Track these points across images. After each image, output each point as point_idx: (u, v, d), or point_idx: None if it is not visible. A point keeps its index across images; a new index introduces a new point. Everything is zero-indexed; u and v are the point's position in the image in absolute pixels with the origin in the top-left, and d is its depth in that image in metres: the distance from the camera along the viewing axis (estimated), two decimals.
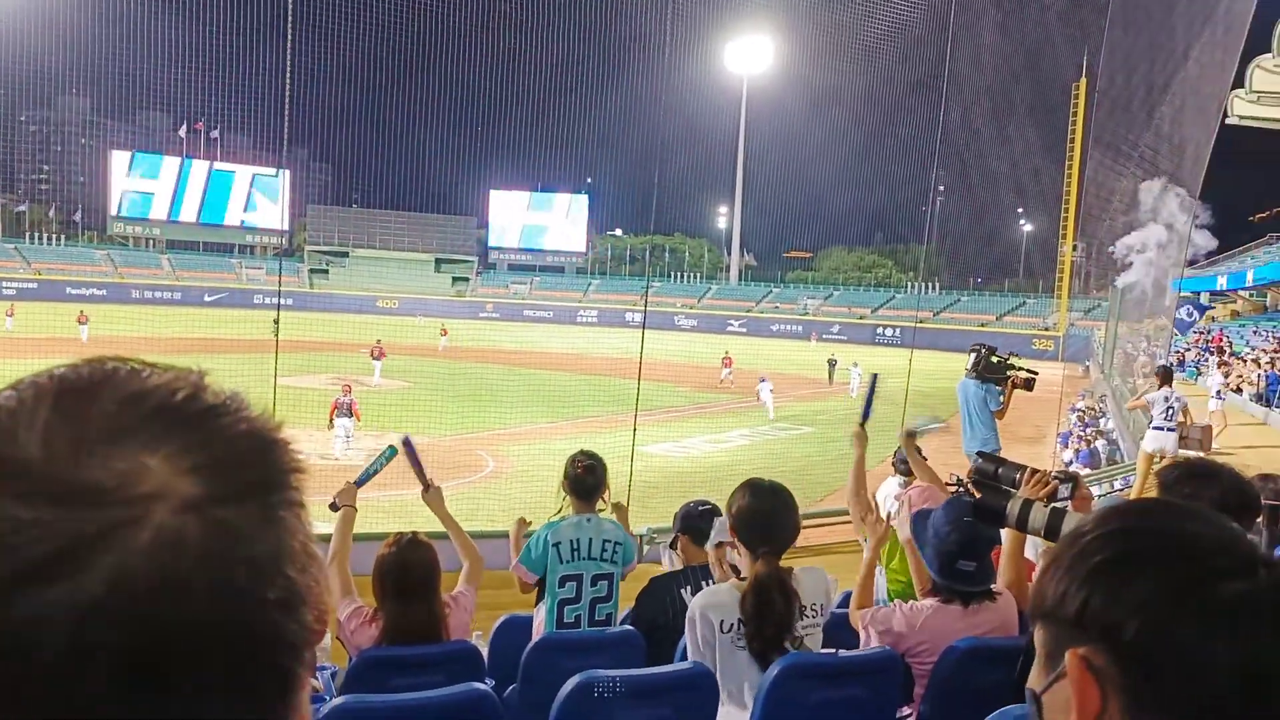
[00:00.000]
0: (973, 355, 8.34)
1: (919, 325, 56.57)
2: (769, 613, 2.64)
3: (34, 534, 0.42)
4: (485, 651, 3.98)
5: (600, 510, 3.97)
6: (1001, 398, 8.22)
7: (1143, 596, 0.70)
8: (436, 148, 74.56)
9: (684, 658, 3.18)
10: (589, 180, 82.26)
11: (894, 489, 6.56)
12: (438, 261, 76.82)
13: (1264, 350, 32.81)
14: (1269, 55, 36.25)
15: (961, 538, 2.68)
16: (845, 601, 4.34)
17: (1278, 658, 0.68)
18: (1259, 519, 2.45)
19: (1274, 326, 38.93)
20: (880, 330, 59.69)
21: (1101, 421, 21.37)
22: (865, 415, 4.11)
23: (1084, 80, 43.93)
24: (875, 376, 4.20)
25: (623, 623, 3.79)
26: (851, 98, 66.87)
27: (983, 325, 59.84)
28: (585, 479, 3.89)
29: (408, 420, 18.98)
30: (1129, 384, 21.82)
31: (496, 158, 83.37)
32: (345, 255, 74.11)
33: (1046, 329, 55.75)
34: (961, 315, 62.37)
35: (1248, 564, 0.71)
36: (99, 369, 0.49)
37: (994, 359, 8.27)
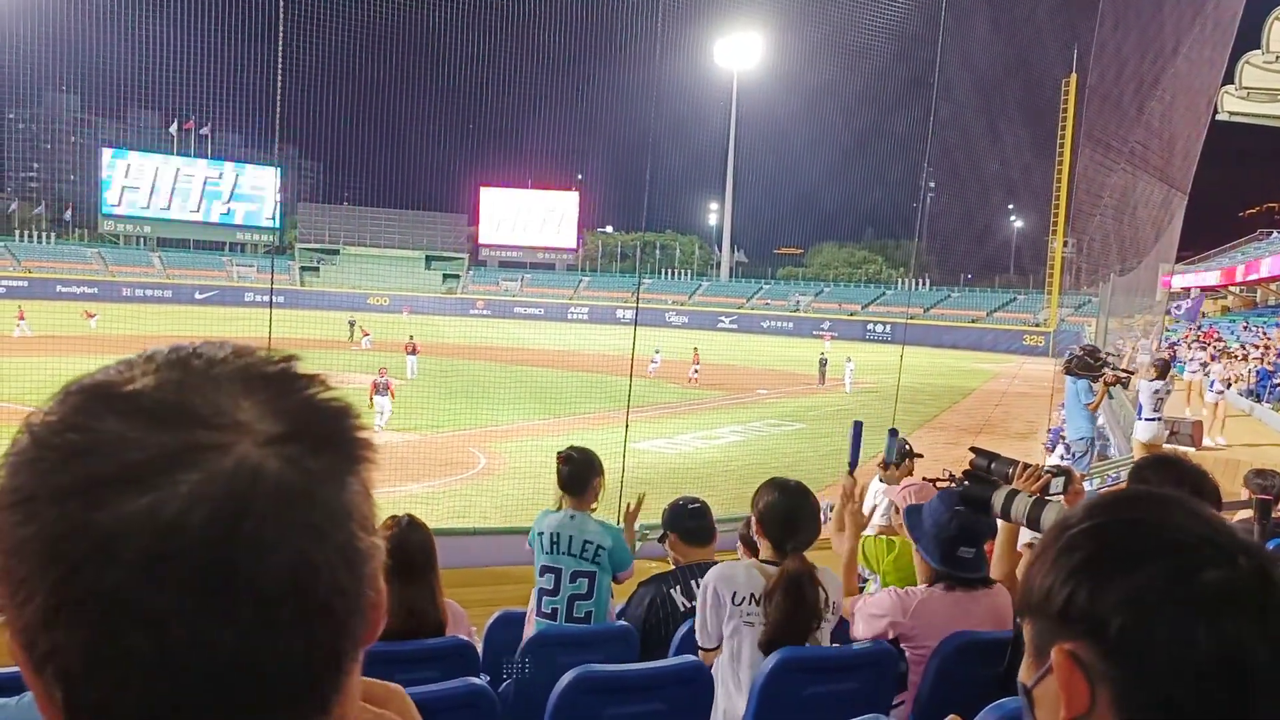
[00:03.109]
0: (1068, 353, 9.42)
1: (910, 321, 56.69)
2: (802, 607, 2.69)
3: (129, 445, 0.47)
4: (480, 647, 3.98)
5: (593, 510, 3.97)
6: (1094, 392, 9.13)
7: (1127, 591, 0.71)
8: (427, 145, 74.35)
9: (679, 651, 3.19)
10: (580, 177, 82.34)
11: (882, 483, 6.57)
12: (428, 258, 76.72)
13: (1254, 345, 33.02)
14: (1259, 51, 36.43)
15: (963, 524, 2.71)
16: None
17: (1260, 644, 0.69)
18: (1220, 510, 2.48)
19: (1264, 322, 39.15)
20: (871, 326, 59.77)
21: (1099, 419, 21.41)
22: (853, 465, 4.03)
23: (1074, 77, 44.06)
24: (859, 424, 4.10)
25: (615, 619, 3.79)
26: (843, 95, 67.05)
27: (974, 321, 60.02)
28: (560, 470, 3.89)
29: (400, 416, 19.01)
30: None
31: (487, 154, 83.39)
32: (336, 253, 73.94)
33: (1037, 325, 55.91)
34: (952, 311, 62.51)
35: (1228, 553, 0.72)
36: (207, 341, 0.56)
37: (1089, 359, 9.18)
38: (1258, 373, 27.17)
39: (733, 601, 2.77)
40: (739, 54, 72.61)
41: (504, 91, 72.22)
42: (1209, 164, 21.03)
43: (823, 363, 32.64)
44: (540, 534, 3.81)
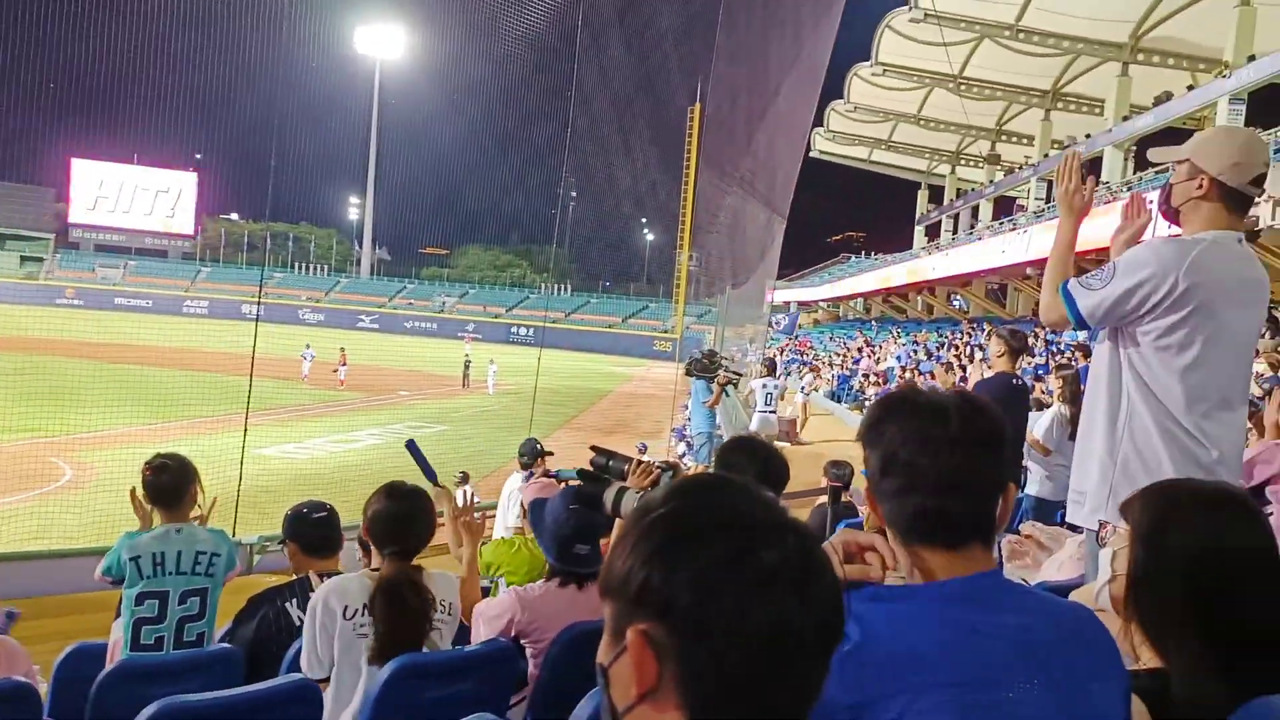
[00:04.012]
0: (689, 357, 10.50)
1: (551, 325, 58.64)
2: (404, 613, 2.60)
3: None
4: (47, 689, 3.40)
5: (194, 518, 3.56)
6: (712, 391, 10.17)
7: (694, 573, 0.76)
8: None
9: (291, 669, 2.94)
10: (199, 156, 74.12)
11: (518, 483, 6.73)
12: (1, 237, 65.20)
13: (837, 354, 38.50)
14: (842, 100, 42.43)
15: (578, 521, 2.79)
16: None
17: (801, 616, 0.76)
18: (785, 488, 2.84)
19: (844, 334, 45.82)
20: (515, 329, 60.94)
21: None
22: (431, 476, 4.19)
23: (698, 105, 48.24)
24: (411, 442, 4.30)
25: (220, 641, 3.42)
26: (486, 98, 67.04)
27: (610, 326, 63.52)
28: (156, 480, 3.48)
29: None
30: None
31: (79, 122, 71.01)
32: None
33: (666, 331, 60.38)
34: (591, 316, 65.64)
35: (780, 533, 0.79)
36: None
37: (707, 361, 10.37)
38: (838, 378, 31.72)
39: (344, 615, 2.63)
40: (381, 43, 70.29)
41: (99, 50, 61.99)
42: (803, 193, 24.13)
43: (466, 364, 32.67)
44: (135, 559, 3.32)
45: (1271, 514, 3.23)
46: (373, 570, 2.79)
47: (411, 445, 4.10)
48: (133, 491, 3.91)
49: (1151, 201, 2.81)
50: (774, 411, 13.16)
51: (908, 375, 24.41)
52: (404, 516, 2.75)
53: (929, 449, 1.21)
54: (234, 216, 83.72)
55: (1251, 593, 1.38)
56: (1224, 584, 1.38)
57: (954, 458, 1.21)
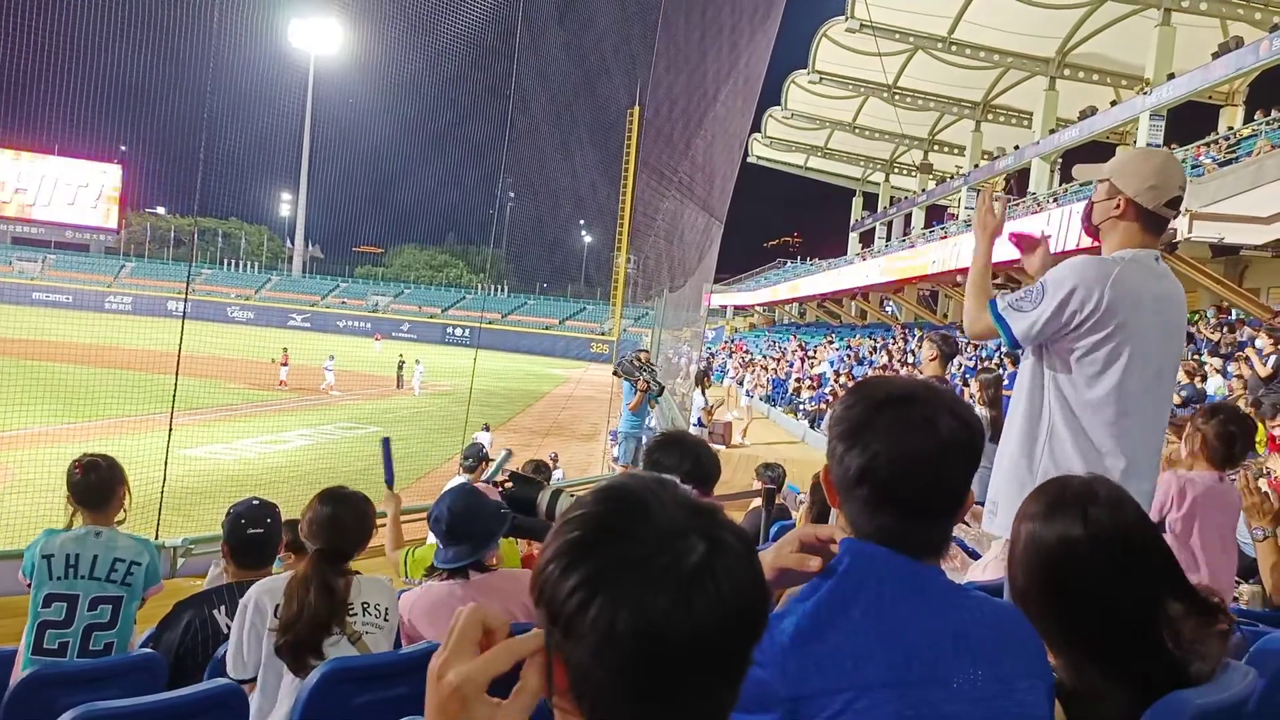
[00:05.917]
0: (620, 358, 10.70)
1: (487, 326, 58.16)
2: (301, 613, 2.53)
3: None
4: None
5: (120, 522, 3.44)
6: (635, 393, 10.50)
7: (578, 579, 0.75)
8: None
9: (216, 673, 2.87)
10: (123, 148, 71.47)
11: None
12: None
13: (773, 358, 38.93)
14: (779, 107, 42.89)
15: (465, 506, 2.82)
16: None
17: (682, 624, 0.73)
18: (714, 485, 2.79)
19: (780, 337, 46.31)
20: (450, 330, 60.28)
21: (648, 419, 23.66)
22: (389, 479, 4.15)
23: (638, 108, 48.36)
24: (386, 441, 4.25)
25: (143, 647, 3.31)
26: (424, 95, 66.12)
27: (547, 328, 63.18)
28: (84, 479, 3.34)
29: None
30: (668, 385, 24.43)
31: None
32: None
33: (603, 334, 60.32)
34: (528, 318, 65.22)
35: (681, 540, 0.76)
36: None
37: (631, 364, 10.53)
38: (772, 382, 32.10)
39: (275, 614, 2.56)
40: (315, 37, 68.85)
41: (16, 35, 59.06)
42: (740, 198, 24.35)
43: (400, 365, 32.26)
44: (48, 557, 3.21)
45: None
46: None
47: (385, 444, 4.12)
48: None
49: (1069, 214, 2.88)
50: (703, 425, 13.37)
51: (841, 380, 24.82)
52: (332, 519, 2.71)
53: (913, 474, 1.20)
54: (160, 211, 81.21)
55: (1088, 588, 1.37)
56: (1058, 579, 1.39)
57: (934, 478, 1.21)
